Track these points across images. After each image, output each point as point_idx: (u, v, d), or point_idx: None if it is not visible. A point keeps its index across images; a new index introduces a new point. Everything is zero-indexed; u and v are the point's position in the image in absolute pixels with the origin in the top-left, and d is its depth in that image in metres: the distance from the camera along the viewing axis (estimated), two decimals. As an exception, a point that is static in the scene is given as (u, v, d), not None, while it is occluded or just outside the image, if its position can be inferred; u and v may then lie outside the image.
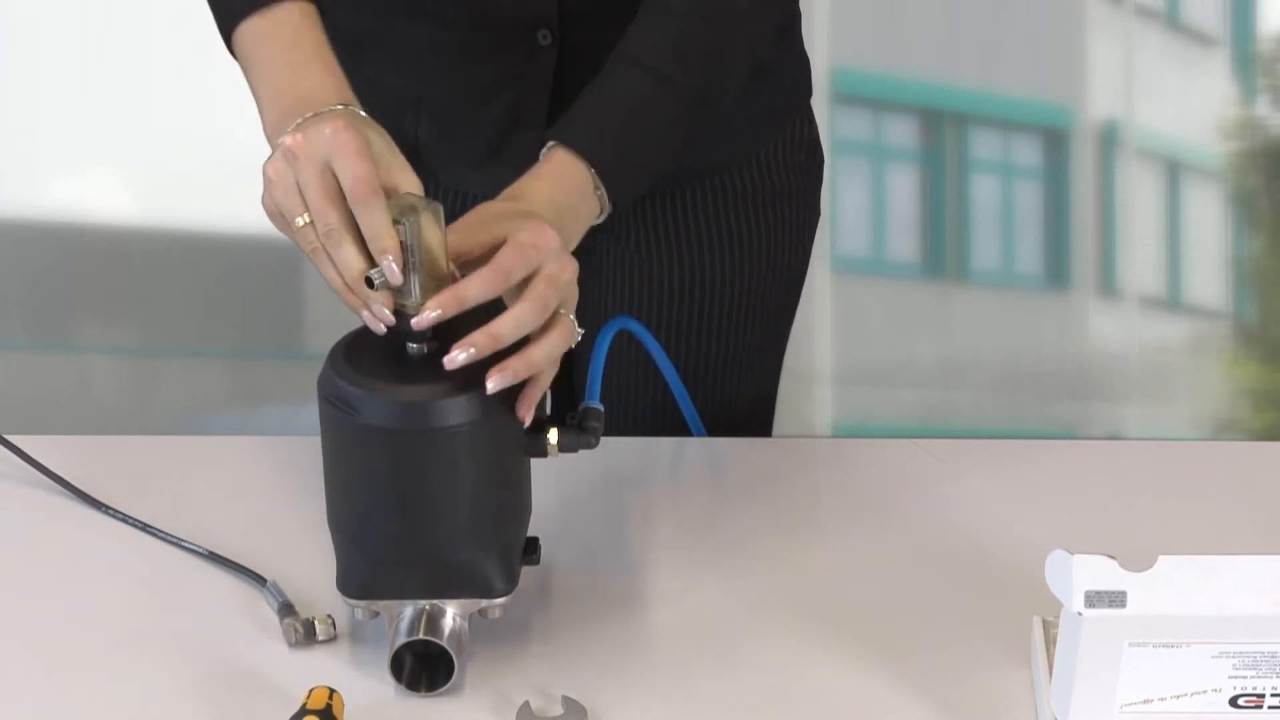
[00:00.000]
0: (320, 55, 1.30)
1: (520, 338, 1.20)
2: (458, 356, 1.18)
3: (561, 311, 1.22)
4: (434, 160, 1.59)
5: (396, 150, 1.26)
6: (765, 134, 1.64)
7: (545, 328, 1.22)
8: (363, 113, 1.27)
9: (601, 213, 1.33)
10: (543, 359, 1.21)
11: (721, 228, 1.63)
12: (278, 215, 1.23)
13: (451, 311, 1.19)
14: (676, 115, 1.37)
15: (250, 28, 1.32)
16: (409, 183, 1.24)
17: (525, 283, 1.21)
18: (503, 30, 1.52)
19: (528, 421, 1.23)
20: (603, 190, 1.32)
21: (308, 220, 1.21)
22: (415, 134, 1.58)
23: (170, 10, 2.88)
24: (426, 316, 1.18)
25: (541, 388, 1.22)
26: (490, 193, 1.59)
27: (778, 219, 1.66)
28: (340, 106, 1.25)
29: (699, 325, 1.65)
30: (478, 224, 1.25)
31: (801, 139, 1.67)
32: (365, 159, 1.19)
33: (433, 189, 1.61)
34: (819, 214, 1.72)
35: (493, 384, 1.19)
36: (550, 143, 1.32)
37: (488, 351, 1.19)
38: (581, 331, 1.25)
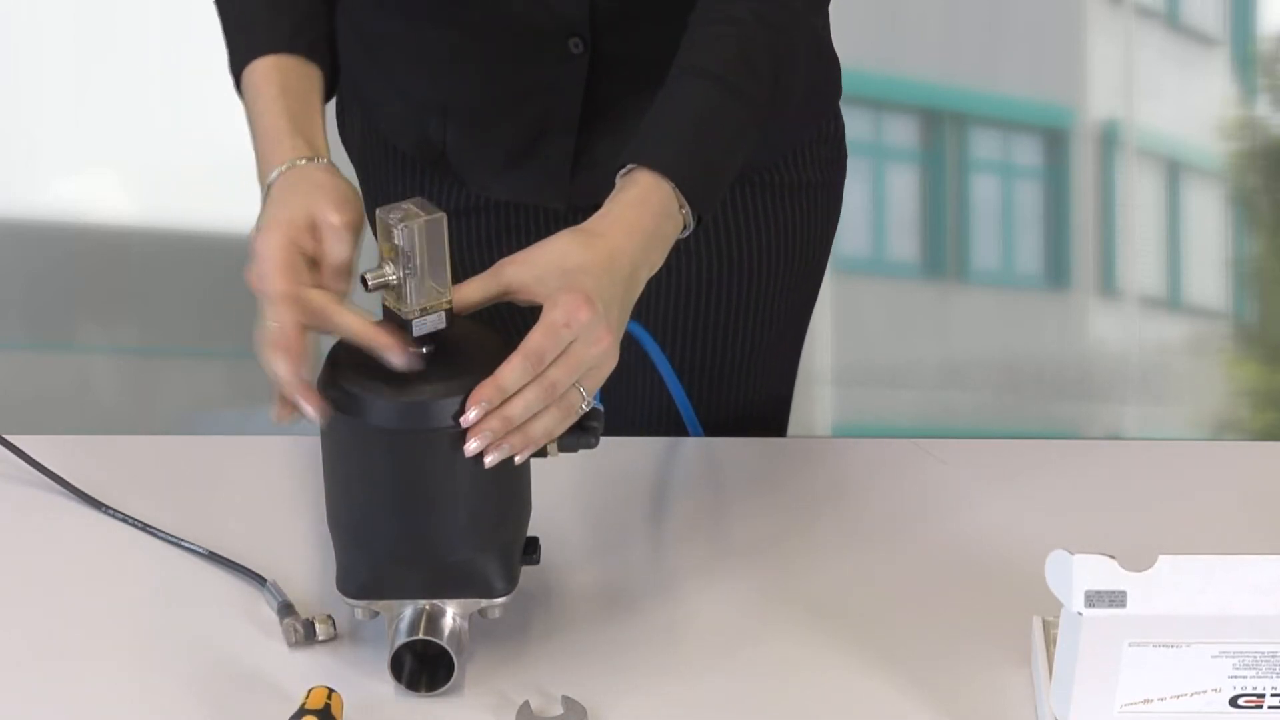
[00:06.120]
0: (263, 119, 1.35)
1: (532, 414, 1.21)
2: (471, 445, 1.20)
3: (574, 386, 1.23)
4: (460, 165, 1.58)
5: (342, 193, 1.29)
6: (801, 131, 1.63)
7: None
8: (300, 161, 1.31)
9: (685, 229, 1.32)
10: (539, 435, 1.22)
11: (751, 220, 1.62)
12: None
13: (495, 403, 1.19)
14: (746, 123, 1.36)
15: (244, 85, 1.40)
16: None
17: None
18: (534, 38, 1.50)
19: (469, 453, 1.21)
20: (687, 209, 1.31)
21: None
22: (442, 139, 1.57)
23: (170, 11, 2.88)
24: (468, 417, 1.19)
25: (527, 451, 1.23)
26: (516, 199, 1.58)
27: (805, 212, 1.65)
28: (276, 172, 1.31)
29: (726, 320, 1.64)
30: (544, 267, 1.25)
31: (828, 134, 1.67)
32: (271, 265, 1.23)
33: (458, 194, 1.61)
34: (840, 208, 1.72)
35: (471, 446, 1.20)
36: (629, 165, 1.31)
37: (500, 435, 1.20)
38: (592, 403, 1.25)
